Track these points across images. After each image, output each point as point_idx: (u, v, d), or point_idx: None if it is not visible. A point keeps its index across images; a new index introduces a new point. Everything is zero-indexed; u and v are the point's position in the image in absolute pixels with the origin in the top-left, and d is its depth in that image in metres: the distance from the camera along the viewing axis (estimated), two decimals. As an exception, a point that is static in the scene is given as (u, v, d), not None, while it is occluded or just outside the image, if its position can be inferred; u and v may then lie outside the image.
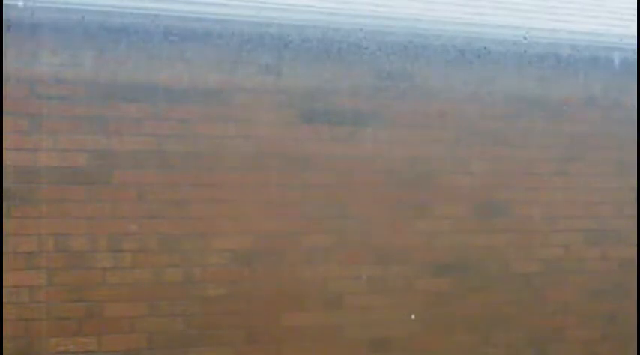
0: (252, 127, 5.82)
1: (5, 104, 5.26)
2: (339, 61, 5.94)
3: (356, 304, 6.06)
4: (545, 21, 6.55)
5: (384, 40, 5.99)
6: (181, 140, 5.66)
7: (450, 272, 6.28)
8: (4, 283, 5.29)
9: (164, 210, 5.64)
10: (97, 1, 5.35)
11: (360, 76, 6.03)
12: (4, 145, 5.28)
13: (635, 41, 6.44)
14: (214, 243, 5.75)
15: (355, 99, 6.04)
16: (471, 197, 6.33)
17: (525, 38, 6.24)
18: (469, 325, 6.34)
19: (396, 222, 6.15)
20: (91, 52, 5.45)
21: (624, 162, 6.71)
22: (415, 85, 6.16)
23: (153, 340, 5.64)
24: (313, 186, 5.96)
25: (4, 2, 5.11)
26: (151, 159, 5.61)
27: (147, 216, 5.61)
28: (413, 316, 6.19)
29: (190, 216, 5.69)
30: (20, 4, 5.15)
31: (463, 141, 6.30)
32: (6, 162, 5.30)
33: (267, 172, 5.85)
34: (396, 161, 6.14)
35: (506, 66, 6.35)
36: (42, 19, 5.25)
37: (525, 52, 6.31)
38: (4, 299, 5.30)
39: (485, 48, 6.23)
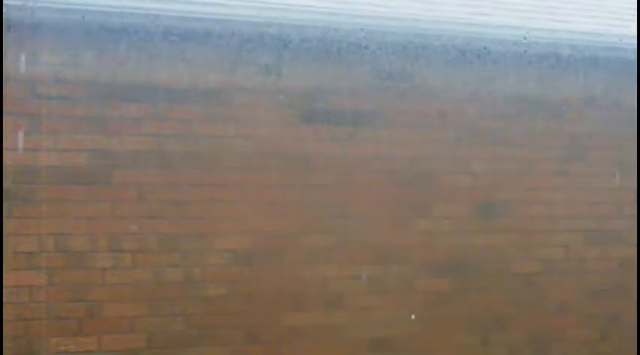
0: (252, 127, 5.82)
1: (5, 104, 5.25)
2: (339, 60, 5.94)
3: (356, 304, 6.06)
4: (546, 21, 6.55)
5: (384, 39, 5.99)
6: (181, 140, 5.66)
7: (450, 272, 6.28)
8: (4, 283, 5.29)
9: (164, 210, 5.64)
10: (97, 1, 5.35)
11: (360, 76, 6.03)
12: (4, 145, 5.27)
13: (635, 41, 6.44)
14: (214, 243, 5.75)
15: (355, 99, 6.04)
16: (471, 197, 6.33)
17: (525, 38, 6.24)
18: (469, 325, 6.35)
19: (396, 222, 6.15)
20: (91, 52, 5.45)
21: (624, 162, 6.71)
22: (415, 85, 6.16)
23: (153, 340, 5.64)
24: (313, 186, 5.96)
25: (4, 2, 5.11)
26: (151, 159, 5.61)
27: (147, 216, 5.61)
28: (413, 316, 6.19)
29: (190, 216, 5.69)
30: (20, 4, 5.15)
31: (463, 141, 6.30)
32: (6, 162, 5.30)
33: (267, 172, 5.85)
34: (396, 161, 6.14)
35: (506, 66, 6.35)
36: (42, 19, 5.25)
37: (525, 52, 6.31)
38: (4, 299, 5.30)
39: (485, 48, 6.23)
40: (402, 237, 6.17)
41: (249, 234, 5.82)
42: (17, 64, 5.29)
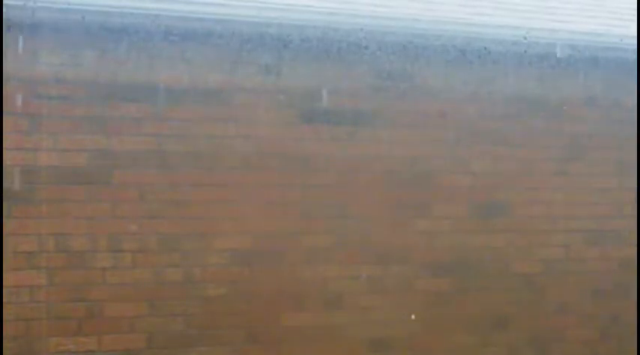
0: (252, 127, 5.82)
1: (5, 104, 5.25)
2: (339, 60, 5.94)
3: (356, 304, 6.06)
4: (545, 21, 6.55)
5: (384, 39, 5.99)
6: (181, 140, 5.66)
7: (450, 272, 6.28)
8: (4, 283, 5.29)
9: (164, 210, 5.64)
10: (98, 1, 5.35)
11: (360, 76, 6.03)
12: (4, 145, 5.27)
13: (635, 41, 6.44)
14: (214, 243, 5.75)
15: (355, 99, 6.04)
16: (471, 197, 6.33)
17: (525, 38, 6.24)
18: (469, 325, 6.34)
19: (396, 222, 6.15)
20: (91, 52, 5.45)
21: (624, 162, 6.71)
22: (415, 85, 6.16)
23: (153, 340, 5.64)
24: (313, 186, 5.96)
25: (4, 2, 5.11)
26: (151, 159, 5.61)
27: (147, 216, 5.61)
28: (413, 316, 6.18)
29: (190, 216, 5.69)
30: (20, 4, 5.15)
31: (463, 141, 6.30)
32: (6, 162, 5.30)
33: (267, 172, 5.85)
34: (396, 161, 6.14)
35: (506, 66, 6.35)
36: (42, 19, 5.25)
37: (525, 52, 6.31)
38: (4, 299, 5.30)
39: (485, 48, 6.23)
40: (402, 237, 6.17)
41: (249, 234, 5.82)
42: (17, 64, 5.28)
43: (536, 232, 6.52)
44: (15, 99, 5.30)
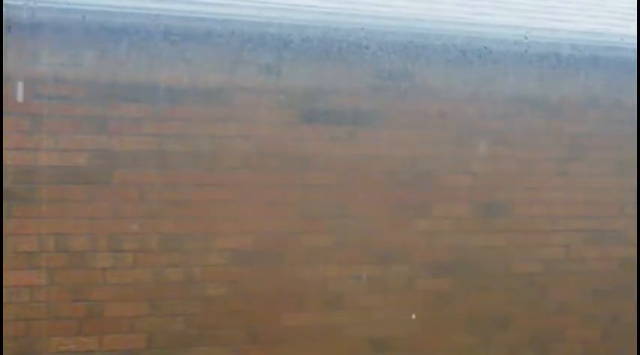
0: (252, 127, 5.82)
1: (5, 104, 5.25)
2: (339, 60, 5.94)
3: (356, 304, 6.06)
4: (546, 20, 6.55)
5: (384, 39, 5.99)
6: (181, 140, 5.66)
7: (450, 272, 6.28)
8: (4, 283, 5.29)
9: (164, 210, 5.64)
10: (98, 1, 5.34)
11: (360, 76, 6.02)
12: (4, 145, 5.27)
13: (635, 41, 6.44)
14: (215, 243, 5.75)
15: (355, 99, 6.04)
16: (471, 197, 6.33)
17: (526, 38, 6.24)
18: (469, 325, 6.35)
19: (396, 222, 6.15)
20: (91, 52, 5.44)
21: (624, 162, 6.71)
22: (416, 85, 6.16)
23: (153, 340, 5.65)
24: (313, 186, 5.96)
25: (4, 2, 5.10)
26: (151, 159, 5.60)
27: (147, 215, 5.61)
28: (413, 316, 6.19)
29: (190, 216, 5.69)
30: (20, 4, 5.14)
31: (463, 141, 6.30)
32: (6, 162, 5.30)
33: (267, 172, 5.84)
34: (396, 161, 6.14)
35: (506, 65, 6.34)
36: (42, 19, 5.24)
37: (526, 51, 6.30)
38: (4, 299, 5.30)
39: (485, 47, 6.22)
40: (402, 236, 6.17)
41: (249, 233, 5.82)
42: (17, 64, 5.28)
43: (536, 232, 6.52)
44: (15, 99, 5.29)
